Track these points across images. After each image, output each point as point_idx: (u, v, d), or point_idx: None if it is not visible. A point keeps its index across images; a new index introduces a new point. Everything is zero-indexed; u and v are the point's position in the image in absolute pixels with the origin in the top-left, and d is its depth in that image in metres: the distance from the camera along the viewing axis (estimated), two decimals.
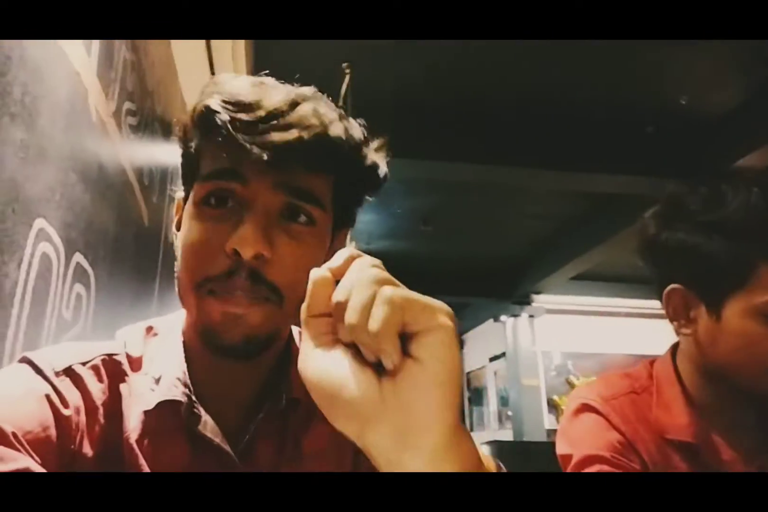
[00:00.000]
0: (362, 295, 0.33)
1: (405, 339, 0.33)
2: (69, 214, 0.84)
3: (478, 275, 7.42)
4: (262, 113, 0.52)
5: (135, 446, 0.52)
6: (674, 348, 0.84)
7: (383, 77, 3.52)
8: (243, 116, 0.52)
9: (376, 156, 0.61)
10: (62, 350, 0.55)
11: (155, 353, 0.59)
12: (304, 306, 0.37)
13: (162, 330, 0.62)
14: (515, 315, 7.69)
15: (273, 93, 0.54)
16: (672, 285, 0.77)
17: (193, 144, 0.57)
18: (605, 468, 0.70)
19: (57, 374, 0.51)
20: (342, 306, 0.34)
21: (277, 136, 0.51)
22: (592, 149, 4.19)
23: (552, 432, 7.23)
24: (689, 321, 0.76)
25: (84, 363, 0.54)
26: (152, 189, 1.46)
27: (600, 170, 4.25)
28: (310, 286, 0.36)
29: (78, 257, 0.88)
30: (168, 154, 1.67)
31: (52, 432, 0.46)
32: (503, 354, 7.95)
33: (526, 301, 7.57)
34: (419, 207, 5.39)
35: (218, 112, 0.52)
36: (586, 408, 0.79)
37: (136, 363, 0.57)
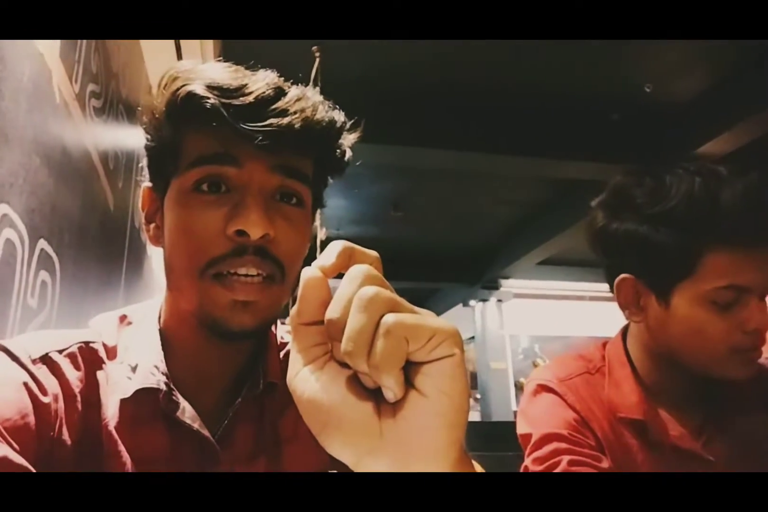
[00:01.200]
0: (362, 321, 0.29)
1: (408, 367, 0.30)
2: (33, 199, 0.82)
3: (447, 261, 7.47)
4: (251, 98, 0.53)
5: (114, 433, 0.52)
6: (624, 330, 0.88)
7: (353, 61, 3.49)
8: (233, 101, 0.52)
9: (350, 139, 0.63)
10: (38, 338, 0.54)
11: (130, 342, 0.58)
12: (294, 311, 0.33)
13: (136, 319, 0.62)
14: (484, 300, 7.78)
15: (254, 78, 0.55)
16: (622, 275, 0.79)
17: (168, 131, 0.56)
18: (563, 445, 0.72)
19: (34, 362, 0.50)
20: (337, 326, 0.30)
21: (274, 122, 0.52)
22: (559, 136, 4.22)
23: None
24: (639, 309, 0.79)
25: (60, 351, 0.53)
26: (117, 173, 1.43)
27: (567, 157, 4.29)
28: (301, 289, 0.32)
29: (42, 243, 0.86)
30: (134, 137, 1.63)
31: (31, 419, 0.46)
32: (472, 338, 8.05)
33: (494, 286, 7.66)
34: (389, 193, 5.39)
35: (206, 98, 0.52)
36: (542, 388, 0.82)
37: (111, 352, 0.57)
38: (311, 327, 0.32)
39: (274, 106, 0.53)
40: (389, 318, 0.29)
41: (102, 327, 0.60)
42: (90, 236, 1.16)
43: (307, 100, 0.56)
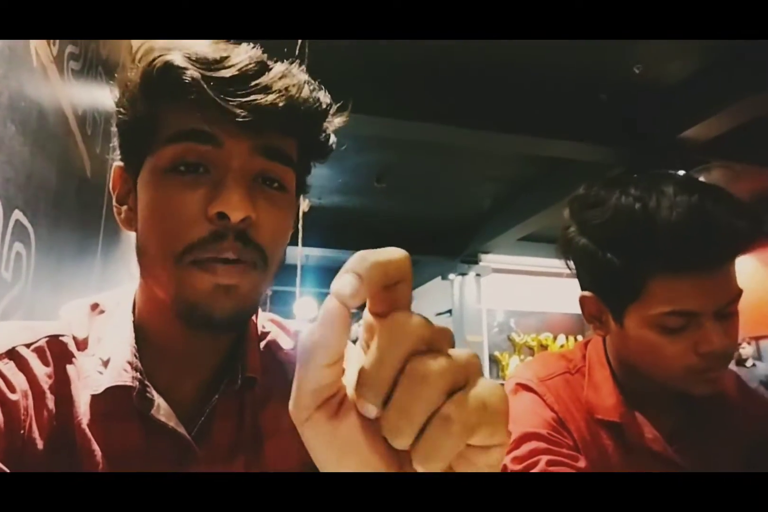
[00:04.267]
0: (415, 407, 0.25)
1: None
2: (7, 168, 0.79)
3: (428, 234, 7.48)
4: (234, 72, 0.50)
5: (87, 430, 0.50)
6: None
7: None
8: (214, 74, 0.49)
9: (336, 123, 0.60)
10: (4, 331, 0.52)
11: (102, 332, 0.56)
12: (311, 351, 0.27)
13: (108, 307, 0.59)
14: (463, 274, 7.83)
15: (236, 51, 0.52)
16: (583, 293, 0.80)
17: (143, 106, 0.53)
18: (542, 445, 0.73)
19: (0, 357, 0.49)
20: (375, 391, 0.26)
21: (258, 98, 0.50)
22: (545, 114, 4.20)
23: None
24: (602, 324, 0.79)
25: (28, 345, 0.51)
26: (95, 139, 1.38)
27: (553, 135, 4.28)
28: (320, 326, 0.27)
29: (17, 214, 0.83)
30: (113, 101, 1.58)
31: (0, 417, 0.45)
32: (449, 311, 8.13)
33: (473, 260, 7.70)
34: (373, 164, 5.34)
35: (185, 69, 0.49)
36: (522, 387, 0.83)
37: (82, 344, 0.55)
38: (331, 368, 0.28)
39: (257, 82, 0.50)
40: (448, 409, 0.25)
41: (72, 316, 0.57)
42: (66, 205, 1.13)
43: (292, 78, 0.53)
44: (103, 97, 1.46)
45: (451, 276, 7.96)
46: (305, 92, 0.54)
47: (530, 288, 8.25)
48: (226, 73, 0.50)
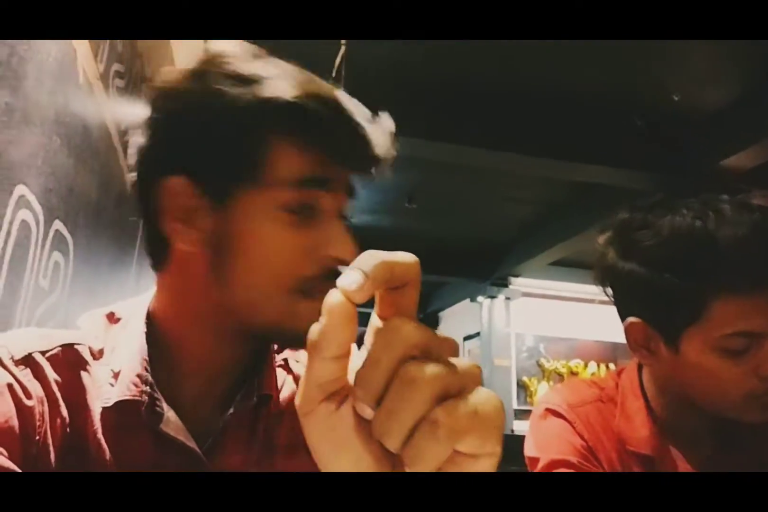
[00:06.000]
0: (403, 410, 0.26)
1: None
2: (51, 179, 0.82)
3: (458, 255, 7.45)
4: (349, 123, 0.51)
5: (102, 440, 0.50)
6: None
7: (376, 52, 3.46)
8: (340, 118, 0.51)
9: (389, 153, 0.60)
10: (20, 337, 0.52)
11: (116, 342, 0.56)
12: (314, 342, 0.28)
13: (124, 316, 0.59)
14: (492, 297, 7.76)
15: (342, 97, 0.52)
16: (630, 319, 0.76)
17: (255, 133, 0.50)
18: (571, 473, 0.72)
19: (16, 363, 0.49)
20: (370, 396, 0.27)
21: (372, 153, 0.52)
22: (581, 139, 4.18)
23: (519, 412, 7.38)
24: (650, 353, 0.76)
25: (44, 353, 0.51)
26: None
27: (587, 160, 4.25)
28: (325, 318, 0.28)
29: (58, 224, 0.86)
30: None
31: (15, 423, 0.45)
32: (478, 334, 8.04)
33: (503, 283, 7.63)
34: (405, 184, 5.36)
35: (303, 108, 0.49)
36: (552, 413, 0.81)
37: (98, 354, 0.55)
38: (335, 362, 0.29)
39: (370, 137, 0.52)
40: (439, 414, 0.26)
41: (89, 326, 0.57)
42: (105, 218, 1.16)
43: (388, 134, 0.55)
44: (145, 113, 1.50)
45: (480, 298, 7.89)
46: (392, 145, 0.56)
47: (560, 314, 8.13)
48: (340, 120, 0.51)
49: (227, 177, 0.51)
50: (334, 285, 0.48)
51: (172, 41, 1.84)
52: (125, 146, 1.29)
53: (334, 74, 2.84)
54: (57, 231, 0.86)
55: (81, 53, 0.92)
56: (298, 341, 0.48)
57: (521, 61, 3.53)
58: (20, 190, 0.71)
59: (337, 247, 0.52)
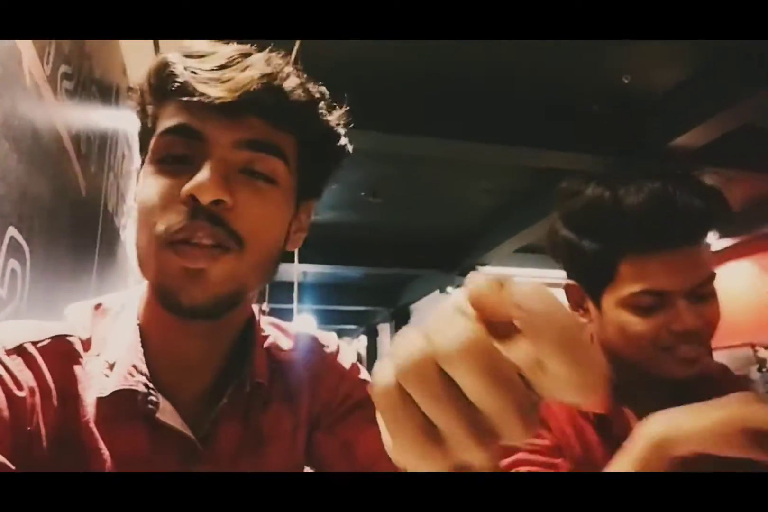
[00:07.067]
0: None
1: None
2: (2, 184, 0.79)
3: (425, 248, 7.48)
4: (217, 60, 0.51)
5: (95, 430, 0.50)
6: None
7: (334, 45, 3.44)
8: (198, 63, 0.51)
9: (336, 120, 0.60)
10: (12, 328, 0.52)
11: (107, 333, 0.56)
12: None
13: (113, 308, 0.59)
14: (461, 287, 7.80)
15: (227, 46, 0.54)
16: (566, 281, 0.83)
17: (150, 108, 0.55)
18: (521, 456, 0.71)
19: (8, 352, 0.49)
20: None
21: (233, 76, 0.50)
22: (539, 125, 4.23)
23: None
24: (586, 312, 0.82)
25: (35, 343, 0.51)
26: (90, 157, 1.39)
27: (546, 146, 4.31)
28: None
29: (12, 231, 0.84)
30: (106, 120, 1.59)
31: (6, 414, 0.45)
32: None
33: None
34: (368, 178, 5.36)
35: (174, 63, 0.51)
36: None
37: (86, 344, 0.55)
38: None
39: (235, 66, 0.51)
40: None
41: (76, 317, 0.57)
42: (61, 222, 1.13)
43: (273, 65, 0.53)
44: (97, 116, 1.47)
45: (450, 289, 7.94)
46: (291, 80, 0.54)
47: None
48: (209, 62, 0.51)
49: (143, 152, 0.56)
50: (191, 229, 0.49)
51: (121, 42, 1.80)
52: (78, 149, 1.26)
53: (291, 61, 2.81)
54: (12, 238, 0.84)
55: (26, 55, 0.89)
56: (172, 302, 0.50)
57: (480, 50, 3.55)
58: None
59: (189, 185, 0.49)
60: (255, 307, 0.64)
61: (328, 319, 10.59)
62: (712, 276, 0.74)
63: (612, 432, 0.76)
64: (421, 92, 3.98)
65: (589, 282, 0.79)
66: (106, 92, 1.53)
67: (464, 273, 7.13)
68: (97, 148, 1.45)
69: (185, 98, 0.50)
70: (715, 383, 0.82)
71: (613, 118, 4.24)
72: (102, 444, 0.50)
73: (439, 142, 4.20)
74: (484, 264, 7.57)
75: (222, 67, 0.51)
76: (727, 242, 6.02)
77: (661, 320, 0.72)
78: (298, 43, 3.11)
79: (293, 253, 3.59)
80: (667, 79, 3.87)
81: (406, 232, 6.98)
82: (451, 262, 7.62)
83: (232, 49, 0.53)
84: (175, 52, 0.53)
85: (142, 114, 0.56)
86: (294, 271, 5.23)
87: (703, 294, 0.73)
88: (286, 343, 0.66)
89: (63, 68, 1.13)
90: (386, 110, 3.97)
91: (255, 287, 0.57)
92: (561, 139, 4.28)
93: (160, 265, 0.50)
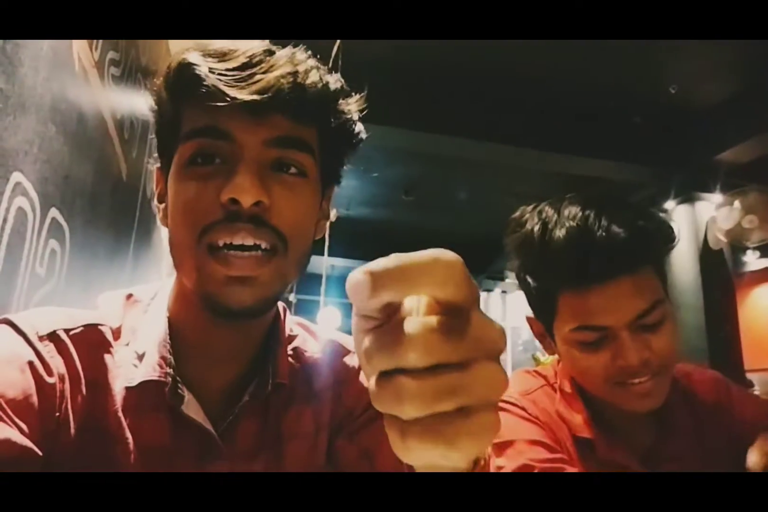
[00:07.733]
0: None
1: None
2: (47, 167, 0.82)
3: (454, 249, 7.29)
4: (240, 60, 0.51)
5: (122, 418, 0.51)
6: None
7: (376, 44, 3.44)
8: (222, 65, 0.51)
9: (353, 108, 0.60)
10: (46, 314, 0.53)
11: (137, 323, 0.57)
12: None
13: (144, 299, 0.60)
14: (488, 290, 7.78)
15: (247, 44, 0.53)
16: (527, 314, 0.82)
17: (168, 107, 0.55)
18: (539, 448, 0.72)
19: (41, 338, 0.50)
20: None
21: (261, 78, 0.50)
22: (578, 132, 4.17)
23: None
24: (547, 344, 0.80)
25: (67, 331, 0.52)
26: (132, 142, 1.42)
27: (583, 153, 4.25)
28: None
29: (54, 212, 0.86)
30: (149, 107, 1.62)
31: (35, 400, 0.46)
32: None
33: (500, 277, 7.64)
34: (402, 177, 5.36)
35: (198, 65, 0.51)
36: (505, 403, 0.81)
37: (116, 333, 0.56)
38: None
39: (260, 66, 0.51)
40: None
41: (108, 306, 0.59)
42: (101, 205, 1.16)
43: (296, 62, 0.54)
44: (141, 102, 1.50)
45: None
46: (313, 75, 0.54)
47: None
48: (230, 63, 0.51)
49: (166, 152, 0.56)
50: (233, 230, 0.49)
51: None
52: (121, 135, 1.29)
53: (330, 64, 2.82)
54: (53, 218, 0.86)
55: (77, 41, 0.91)
56: (219, 306, 0.51)
57: (523, 55, 3.51)
58: (16, 177, 0.71)
59: (228, 188, 0.49)
60: (280, 304, 0.64)
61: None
62: (656, 303, 0.70)
63: (597, 456, 0.75)
64: (461, 94, 3.96)
65: (538, 316, 0.79)
66: (150, 79, 1.56)
67: (492, 277, 7.04)
68: (139, 134, 1.48)
69: (217, 103, 0.50)
70: (702, 403, 0.81)
71: (655, 128, 4.15)
72: (128, 433, 0.51)
73: (474, 144, 4.17)
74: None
75: (246, 67, 0.51)
76: (765, 263, 5.87)
77: (608, 355, 0.70)
78: (338, 42, 3.13)
79: (322, 245, 3.60)
80: (715, 92, 3.78)
81: (435, 231, 6.95)
82: (479, 265, 7.57)
83: (252, 45, 0.53)
84: (192, 50, 0.53)
85: (160, 113, 0.57)
86: (323, 264, 5.25)
87: (649, 323, 0.70)
88: (312, 346, 0.66)
89: (111, 54, 1.16)
90: (425, 110, 3.96)
91: (294, 280, 0.58)
92: (600, 146, 4.21)
93: (202, 270, 0.51)
